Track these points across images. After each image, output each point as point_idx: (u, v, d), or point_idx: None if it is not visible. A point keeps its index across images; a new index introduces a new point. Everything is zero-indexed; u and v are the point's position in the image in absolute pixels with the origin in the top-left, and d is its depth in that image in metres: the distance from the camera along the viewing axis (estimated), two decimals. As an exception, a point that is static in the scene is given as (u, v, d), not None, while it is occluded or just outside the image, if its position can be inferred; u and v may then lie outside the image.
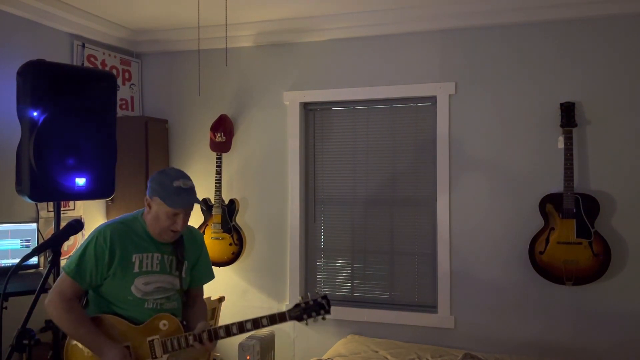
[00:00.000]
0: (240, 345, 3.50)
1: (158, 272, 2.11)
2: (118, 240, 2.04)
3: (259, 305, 3.94)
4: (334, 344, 3.57)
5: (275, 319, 2.10)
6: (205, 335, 2.05)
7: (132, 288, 2.04)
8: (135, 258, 2.06)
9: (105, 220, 3.94)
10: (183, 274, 2.20)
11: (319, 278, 3.94)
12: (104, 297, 2.07)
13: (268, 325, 2.10)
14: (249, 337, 3.61)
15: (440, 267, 3.57)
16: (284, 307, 3.87)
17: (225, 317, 3.89)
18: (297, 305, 2.12)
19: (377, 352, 3.30)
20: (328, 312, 2.12)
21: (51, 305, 1.98)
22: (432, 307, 3.65)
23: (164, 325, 2.06)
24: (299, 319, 2.11)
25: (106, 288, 2.05)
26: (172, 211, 2.05)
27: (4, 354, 1.55)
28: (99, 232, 2.04)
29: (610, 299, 3.25)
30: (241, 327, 2.08)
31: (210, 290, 3.93)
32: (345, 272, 3.89)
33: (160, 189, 2.06)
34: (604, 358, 3.25)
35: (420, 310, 3.66)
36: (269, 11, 3.63)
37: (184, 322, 2.16)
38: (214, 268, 3.94)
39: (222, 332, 2.07)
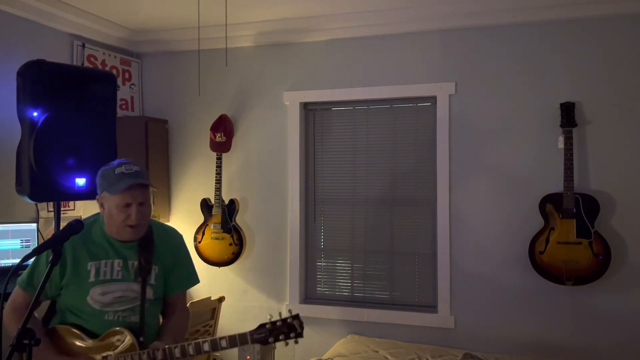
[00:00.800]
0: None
1: (120, 280, 1.95)
2: (70, 249, 1.91)
3: (259, 305, 3.94)
4: (334, 344, 3.57)
5: (235, 341, 1.83)
6: (159, 355, 1.84)
7: (88, 299, 1.91)
8: (91, 266, 1.93)
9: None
10: (152, 281, 2.02)
11: (319, 278, 3.94)
12: (64, 306, 1.99)
13: (227, 347, 1.86)
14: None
15: (440, 267, 3.57)
16: (284, 307, 3.87)
17: (225, 317, 3.89)
18: (261, 326, 1.85)
19: (377, 352, 3.30)
20: (300, 334, 1.87)
21: (4, 317, 1.89)
22: (432, 307, 3.65)
23: (118, 340, 1.89)
24: (263, 341, 1.85)
25: (63, 299, 1.96)
26: (121, 201, 1.88)
27: (4, 354, 1.54)
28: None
29: (610, 299, 3.25)
30: (198, 347, 1.85)
31: (210, 290, 3.93)
32: (345, 272, 3.89)
33: (104, 181, 1.93)
34: (604, 358, 3.25)
35: (420, 310, 3.65)
36: (269, 11, 3.63)
37: (141, 339, 1.94)
38: (214, 268, 4.00)
39: (177, 353, 1.85)
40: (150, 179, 2.03)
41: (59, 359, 1.88)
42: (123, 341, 1.89)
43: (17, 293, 1.97)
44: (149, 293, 2.01)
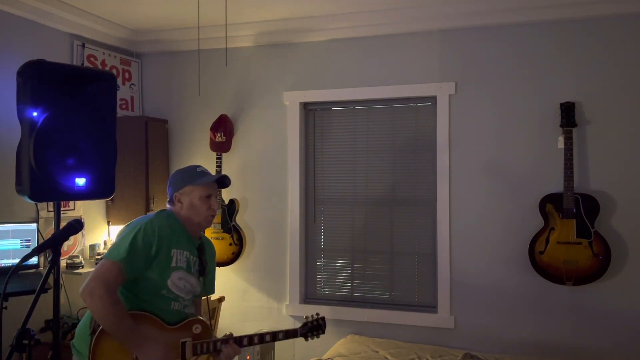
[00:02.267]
0: (240, 345, 3.50)
1: (186, 270, 2.13)
2: (164, 232, 2.06)
3: (259, 305, 3.94)
4: (334, 344, 3.57)
5: (290, 334, 2.29)
6: (231, 342, 2.15)
7: (169, 282, 2.07)
8: (174, 253, 2.10)
9: (105, 219, 3.96)
10: (202, 279, 2.24)
11: (319, 278, 3.94)
12: (135, 292, 2.05)
13: (283, 339, 2.28)
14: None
15: (440, 267, 3.57)
16: (284, 307, 3.88)
17: (225, 317, 3.89)
18: (305, 325, 2.35)
19: (377, 352, 3.30)
20: (324, 332, 2.39)
21: (95, 296, 1.88)
22: (432, 307, 3.65)
23: (197, 329, 2.14)
24: (305, 337, 2.35)
25: (142, 281, 2.04)
26: (205, 192, 2.16)
27: (4, 354, 1.54)
28: (148, 223, 2.05)
29: (610, 299, 3.25)
30: (261, 337, 2.24)
31: (210, 290, 3.93)
32: (345, 272, 3.89)
33: (188, 178, 2.17)
34: (604, 358, 3.25)
35: (420, 310, 3.66)
36: (269, 11, 3.63)
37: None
38: (214, 268, 4.00)
39: (245, 341, 2.19)
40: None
41: (151, 343, 1.97)
42: (200, 329, 2.14)
43: (112, 271, 1.93)
44: (199, 289, 2.24)
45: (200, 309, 2.37)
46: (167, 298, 2.08)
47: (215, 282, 2.45)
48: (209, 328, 2.19)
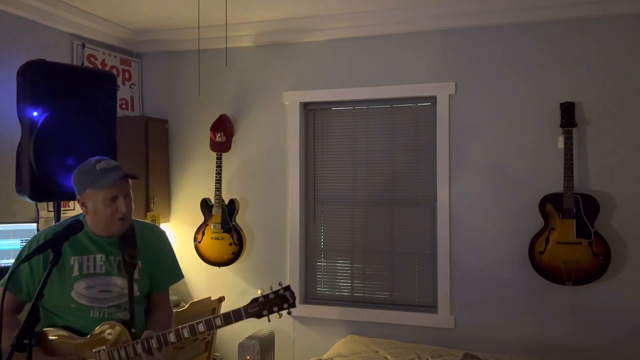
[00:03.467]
0: (240, 345, 3.50)
1: (103, 273, 1.95)
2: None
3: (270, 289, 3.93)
4: (334, 344, 3.57)
5: (230, 317, 1.86)
6: (154, 342, 1.84)
7: (73, 294, 1.89)
8: (74, 261, 1.92)
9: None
10: (136, 276, 2.00)
11: (319, 278, 3.94)
12: (47, 309, 1.93)
13: (223, 325, 1.87)
14: (249, 337, 3.61)
15: (440, 267, 3.57)
16: (284, 306, 3.87)
17: (225, 317, 3.89)
18: (254, 300, 1.87)
19: (377, 352, 3.30)
20: (292, 304, 1.89)
21: None
22: (432, 307, 3.65)
23: (110, 334, 1.88)
24: (258, 315, 1.87)
25: (47, 298, 1.88)
26: (108, 195, 1.90)
27: (4, 354, 1.54)
28: (32, 239, 1.94)
29: (610, 299, 3.25)
30: (193, 329, 1.86)
31: (210, 290, 3.94)
32: (345, 272, 3.89)
33: (87, 179, 1.92)
34: (604, 358, 3.25)
35: (420, 310, 3.66)
36: (269, 11, 3.63)
37: (133, 330, 1.94)
38: (214, 268, 4.00)
39: (172, 337, 1.86)
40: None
41: (49, 359, 1.85)
42: (114, 334, 1.88)
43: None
44: (135, 289, 2.00)
45: (161, 308, 2.13)
46: (81, 306, 1.91)
47: (179, 265, 2.22)
48: (125, 331, 1.90)
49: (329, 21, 3.71)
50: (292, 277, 3.88)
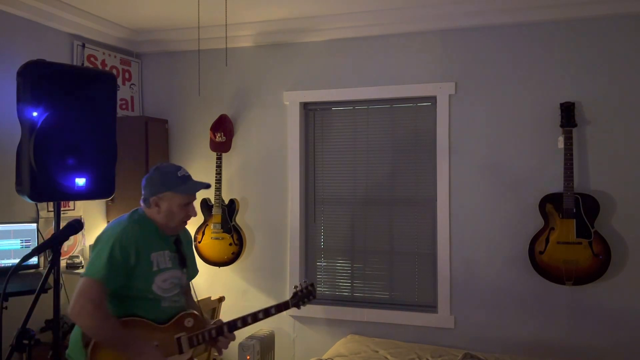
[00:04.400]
0: (240, 345, 3.50)
1: (171, 267, 2.15)
2: (140, 240, 2.06)
3: (259, 305, 3.89)
4: (334, 344, 3.57)
5: (281, 307, 2.31)
6: (226, 328, 2.20)
7: (154, 287, 2.08)
8: (153, 257, 2.10)
9: (105, 219, 3.96)
10: (185, 270, 2.27)
11: (319, 278, 3.94)
12: (122, 299, 2.06)
13: (275, 313, 2.30)
14: (249, 337, 3.61)
15: (440, 267, 3.57)
16: (310, 297, 3.88)
17: (226, 317, 3.88)
18: (295, 294, 2.37)
19: (377, 352, 3.30)
20: (315, 297, 2.41)
21: (85, 316, 1.92)
22: (432, 307, 3.65)
23: (189, 322, 2.16)
24: (297, 305, 2.37)
25: (130, 288, 2.05)
26: (185, 200, 2.15)
27: (4, 354, 1.55)
28: (121, 234, 2.03)
29: (610, 299, 3.25)
30: (255, 317, 2.27)
31: (210, 290, 3.94)
32: (345, 272, 3.89)
33: (169, 183, 2.13)
34: (604, 358, 3.25)
35: (420, 310, 3.66)
36: (269, 11, 3.63)
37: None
38: (214, 268, 4.00)
39: (239, 323, 2.24)
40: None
41: (149, 346, 2.00)
42: (193, 322, 2.17)
43: (94, 288, 1.95)
44: (185, 280, 2.29)
45: (190, 295, 2.43)
46: (155, 300, 2.10)
47: (196, 261, 2.49)
48: (201, 319, 2.22)
49: (329, 21, 3.71)
50: (292, 277, 3.88)
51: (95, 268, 1.97)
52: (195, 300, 2.54)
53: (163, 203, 2.13)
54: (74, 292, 1.96)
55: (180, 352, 2.11)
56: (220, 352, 2.27)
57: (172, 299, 2.16)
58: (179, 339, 2.12)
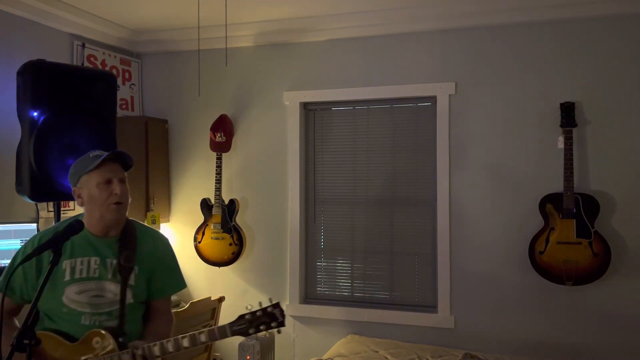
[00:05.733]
0: (240, 345, 3.50)
1: (96, 278, 1.88)
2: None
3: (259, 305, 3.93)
4: (334, 344, 3.57)
5: (215, 334, 1.80)
6: (139, 353, 1.79)
7: (64, 298, 1.84)
8: (66, 265, 1.86)
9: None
10: (131, 282, 1.93)
11: (319, 278, 3.94)
12: (41, 312, 1.92)
13: (207, 341, 1.82)
14: (249, 337, 3.61)
15: (440, 267, 3.57)
16: (284, 307, 3.88)
17: (225, 317, 3.87)
18: (240, 317, 1.80)
19: (377, 352, 3.30)
20: (282, 323, 1.78)
21: None
22: (432, 307, 3.65)
23: (97, 342, 1.83)
24: (244, 333, 1.78)
25: (40, 302, 1.74)
26: (102, 177, 1.86)
27: (4, 354, 1.54)
28: (28, 242, 1.92)
29: (610, 299, 3.25)
30: (177, 344, 1.80)
31: (210, 290, 3.94)
32: (345, 272, 3.89)
33: (80, 167, 1.90)
34: (604, 358, 3.25)
35: (420, 310, 3.66)
36: (269, 11, 3.63)
37: (120, 340, 1.86)
38: (214, 268, 4.00)
39: (157, 351, 1.80)
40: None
41: None
42: (101, 342, 1.83)
43: None
44: (129, 295, 1.92)
45: (158, 318, 2.06)
46: (72, 314, 1.86)
47: (181, 274, 2.15)
48: (112, 340, 1.84)
49: (329, 21, 3.71)
50: (292, 277, 3.88)
51: (1, 279, 1.87)
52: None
53: (83, 191, 1.89)
54: None
55: None
56: (205, 348, 1.99)
57: (98, 317, 1.86)
58: None
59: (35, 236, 2.01)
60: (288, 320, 3.85)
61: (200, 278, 4.05)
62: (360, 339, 3.54)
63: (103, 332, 1.84)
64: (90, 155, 1.91)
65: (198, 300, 3.33)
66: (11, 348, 1.51)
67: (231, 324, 1.79)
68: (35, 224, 3.21)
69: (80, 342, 1.85)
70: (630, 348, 3.21)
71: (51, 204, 3.37)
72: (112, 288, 1.90)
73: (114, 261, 1.91)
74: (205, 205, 3.95)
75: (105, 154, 1.90)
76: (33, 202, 2.99)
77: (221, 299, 3.74)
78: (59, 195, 2.57)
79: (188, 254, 3.95)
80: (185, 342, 1.79)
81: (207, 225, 3.92)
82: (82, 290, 1.86)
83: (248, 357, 3.47)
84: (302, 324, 3.87)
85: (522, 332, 3.40)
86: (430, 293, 3.68)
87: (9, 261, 3.03)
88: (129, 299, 1.93)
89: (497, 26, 3.47)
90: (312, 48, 3.87)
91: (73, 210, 3.64)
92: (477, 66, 3.52)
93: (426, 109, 3.70)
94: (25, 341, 1.52)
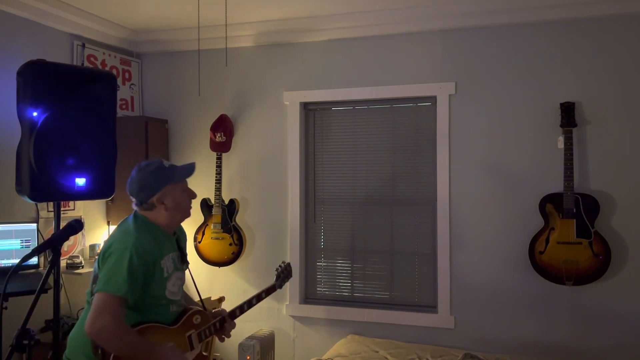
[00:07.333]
0: (240, 345, 3.50)
1: (174, 270, 2.13)
2: (152, 247, 2.00)
3: (259, 305, 3.90)
4: (334, 344, 3.57)
5: (270, 290, 2.65)
6: (227, 318, 2.33)
7: (167, 292, 2.07)
8: (164, 263, 2.07)
9: (105, 220, 3.96)
10: (186, 268, 2.27)
11: (319, 278, 3.94)
12: (136, 308, 1.99)
13: (266, 296, 2.61)
14: (249, 337, 3.61)
15: (440, 267, 3.57)
16: (284, 307, 3.88)
17: (225, 317, 3.89)
18: (278, 277, 2.73)
19: (377, 352, 3.30)
20: (291, 275, 2.82)
21: (107, 333, 1.84)
22: (432, 307, 3.65)
23: (197, 319, 2.21)
24: (281, 286, 2.73)
25: (142, 298, 1.98)
26: (184, 186, 2.19)
27: (4, 354, 1.55)
28: (135, 244, 1.94)
29: (610, 299, 3.25)
30: (250, 303, 2.49)
31: (210, 290, 3.94)
32: (345, 272, 3.89)
33: (164, 177, 2.10)
34: (603, 358, 3.25)
35: (420, 310, 3.66)
36: (269, 11, 3.63)
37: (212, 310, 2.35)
38: (214, 268, 4.02)
39: (237, 312, 2.41)
40: None
41: (170, 349, 2.00)
42: (200, 318, 2.23)
43: (116, 304, 1.86)
44: (185, 278, 2.27)
45: (185, 293, 2.37)
46: (166, 305, 2.10)
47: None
48: (206, 313, 2.26)
49: (329, 21, 3.71)
50: (292, 277, 3.87)
51: (115, 284, 1.87)
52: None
53: (167, 198, 2.09)
54: (91, 308, 1.87)
55: (192, 348, 2.16)
56: (222, 340, 2.37)
57: (180, 302, 2.18)
58: (189, 336, 2.16)
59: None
60: (288, 320, 3.87)
61: (200, 278, 4.04)
62: (360, 339, 3.54)
63: (200, 309, 2.24)
64: (166, 165, 2.13)
65: (198, 301, 3.33)
66: (11, 348, 1.51)
67: (276, 280, 2.72)
68: (35, 224, 3.21)
69: (181, 323, 2.14)
70: (630, 348, 3.21)
71: (51, 204, 3.37)
72: (181, 275, 2.21)
73: (178, 253, 2.20)
74: (205, 205, 3.95)
75: (177, 166, 2.20)
76: (33, 202, 2.99)
77: (221, 299, 3.74)
78: (59, 195, 2.57)
79: (188, 254, 3.94)
80: (254, 300, 2.52)
81: (207, 225, 3.93)
82: (174, 283, 2.13)
83: (248, 357, 3.48)
84: (302, 324, 3.87)
85: (522, 332, 3.40)
86: (430, 293, 3.68)
87: (9, 261, 3.05)
88: (185, 281, 2.27)
89: (497, 26, 3.47)
90: (312, 48, 3.87)
91: (73, 210, 3.64)
92: (477, 66, 3.52)
93: (426, 109, 3.70)
94: (25, 341, 1.52)
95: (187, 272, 2.28)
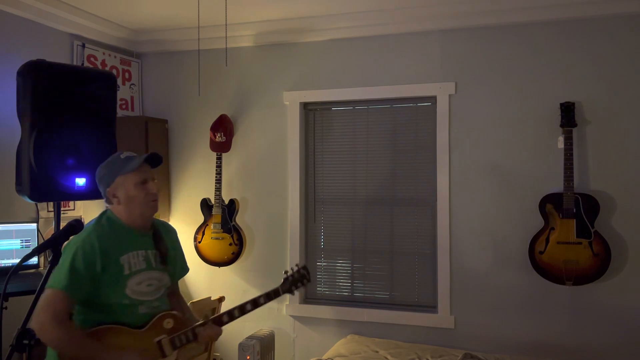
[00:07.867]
0: (240, 345, 3.50)
1: (145, 269, 2.02)
2: (107, 243, 1.92)
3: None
4: (334, 344, 3.57)
5: (271, 295, 2.21)
6: (210, 323, 2.08)
7: (127, 291, 1.95)
8: (124, 260, 1.96)
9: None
10: (169, 268, 2.14)
11: (319, 278, 3.94)
12: (95, 307, 1.94)
13: (265, 303, 2.20)
14: (249, 337, 3.61)
15: (440, 267, 3.57)
16: (284, 307, 3.88)
17: (225, 317, 3.89)
18: (285, 280, 2.26)
19: (377, 352, 3.30)
20: (309, 280, 2.30)
21: (46, 330, 1.78)
22: (432, 307, 3.65)
23: (168, 323, 2.04)
24: (290, 291, 2.27)
25: (100, 296, 1.92)
26: (139, 178, 1.99)
27: (4, 354, 1.55)
28: (84, 241, 1.90)
29: (610, 299, 3.25)
30: (242, 309, 2.15)
31: (210, 290, 3.94)
32: (345, 272, 3.89)
33: (115, 168, 1.99)
34: (603, 358, 3.25)
35: (420, 310, 3.66)
36: (269, 11, 3.63)
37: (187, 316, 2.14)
38: (214, 268, 4.01)
39: (225, 318, 2.12)
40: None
41: (125, 353, 1.89)
42: (173, 322, 2.04)
43: (57, 300, 1.81)
44: (167, 280, 2.13)
45: (179, 296, 2.29)
46: (132, 305, 1.97)
47: (186, 258, 2.35)
48: (182, 318, 2.09)
49: (329, 21, 3.71)
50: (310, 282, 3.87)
51: (57, 279, 1.83)
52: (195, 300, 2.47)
53: (119, 191, 1.98)
54: (37, 305, 1.81)
55: (163, 355, 1.99)
56: (205, 348, 2.20)
57: (153, 304, 2.02)
58: (159, 342, 1.99)
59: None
60: (288, 320, 3.86)
61: (200, 278, 4.05)
62: (360, 339, 3.54)
63: (174, 312, 2.06)
64: (122, 157, 2.01)
65: (198, 300, 3.34)
66: (11, 348, 1.51)
67: (281, 285, 2.24)
68: (35, 224, 3.21)
69: (150, 327, 1.99)
70: (631, 348, 3.21)
71: (51, 204, 3.37)
72: (158, 275, 2.07)
73: (155, 251, 2.07)
74: (205, 205, 3.95)
75: (136, 155, 2.03)
76: (33, 202, 3.00)
77: (221, 299, 3.74)
78: (59, 195, 2.57)
79: (188, 254, 3.90)
80: (249, 306, 2.17)
81: (207, 225, 3.93)
82: (140, 281, 1.99)
83: (248, 357, 3.48)
84: (302, 324, 3.87)
85: (522, 332, 3.40)
86: (430, 293, 3.68)
87: (9, 261, 3.05)
88: (168, 282, 2.13)
89: (497, 26, 3.47)
90: (312, 48, 3.87)
91: (73, 210, 3.64)
92: (477, 66, 3.52)
93: (426, 109, 3.70)
94: (25, 341, 1.52)
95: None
